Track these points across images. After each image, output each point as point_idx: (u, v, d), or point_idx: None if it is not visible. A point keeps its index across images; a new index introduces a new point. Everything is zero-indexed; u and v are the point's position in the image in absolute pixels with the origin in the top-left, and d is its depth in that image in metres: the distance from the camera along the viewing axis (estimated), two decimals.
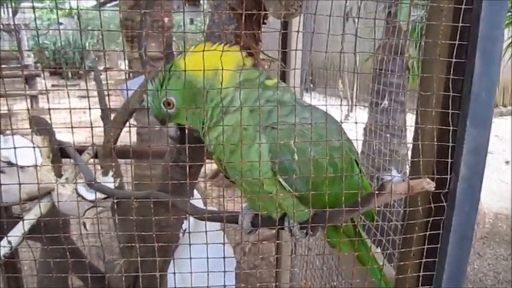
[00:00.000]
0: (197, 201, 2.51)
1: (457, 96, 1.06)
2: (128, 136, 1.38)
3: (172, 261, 1.77)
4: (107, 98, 1.87)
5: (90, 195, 1.47)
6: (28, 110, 3.98)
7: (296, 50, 1.78)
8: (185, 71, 1.03)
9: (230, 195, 3.89)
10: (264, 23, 1.41)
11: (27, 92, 9.04)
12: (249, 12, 1.25)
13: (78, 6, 1.24)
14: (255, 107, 1.07)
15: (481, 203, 5.07)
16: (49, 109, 1.11)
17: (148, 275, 1.36)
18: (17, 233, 1.40)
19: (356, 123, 1.15)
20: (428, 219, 1.12)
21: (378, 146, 2.78)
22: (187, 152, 1.11)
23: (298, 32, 1.19)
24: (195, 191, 2.49)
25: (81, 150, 1.83)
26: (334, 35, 1.12)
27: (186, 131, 1.19)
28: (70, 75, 13.67)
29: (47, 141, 1.67)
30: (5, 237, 1.36)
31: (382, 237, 1.65)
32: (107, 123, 1.95)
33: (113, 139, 1.85)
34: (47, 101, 1.16)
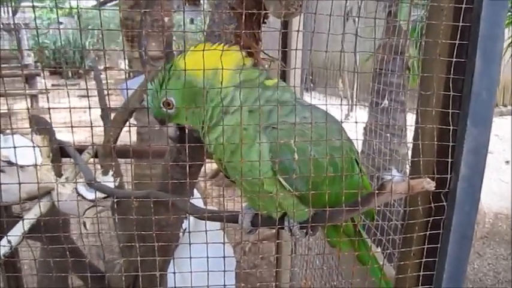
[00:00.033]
0: (197, 200, 2.51)
1: (458, 96, 1.06)
2: (128, 135, 1.38)
3: (172, 261, 1.77)
4: (107, 97, 1.87)
5: (90, 195, 1.47)
6: (28, 109, 3.99)
7: (296, 49, 1.78)
8: (185, 70, 1.03)
9: (230, 194, 3.89)
10: (264, 23, 1.41)
11: (27, 91, 9.05)
12: (249, 11, 1.25)
13: (78, 6, 1.23)
14: (255, 107, 1.07)
15: (481, 203, 5.07)
16: (49, 108, 1.11)
17: (148, 275, 1.36)
18: (17, 232, 1.40)
19: (356, 122, 1.15)
20: (429, 218, 1.12)
21: (378, 146, 2.78)
22: (187, 151, 1.11)
23: (298, 31, 1.19)
24: (195, 191, 2.49)
25: (81, 149, 1.83)
26: (335, 35, 1.12)
27: (186, 130, 1.19)
28: (70, 74, 13.65)
29: (47, 140, 1.67)
30: (5, 237, 1.36)
31: (382, 236, 1.65)
32: (107, 122, 1.94)
33: (112, 138, 1.85)
34: (46, 100, 1.17)
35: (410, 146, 1.21)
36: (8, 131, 1.70)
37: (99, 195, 1.47)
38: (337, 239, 1.33)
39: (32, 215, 1.45)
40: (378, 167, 2.69)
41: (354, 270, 1.31)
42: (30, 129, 1.67)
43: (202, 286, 1.18)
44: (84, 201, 1.46)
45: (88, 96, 1.07)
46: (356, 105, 3.09)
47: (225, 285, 1.19)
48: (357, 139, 1.19)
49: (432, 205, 1.11)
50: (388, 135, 3.50)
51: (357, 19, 1.20)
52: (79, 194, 1.46)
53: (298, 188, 1.09)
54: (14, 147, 1.21)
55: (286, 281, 2.82)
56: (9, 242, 1.36)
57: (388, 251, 1.57)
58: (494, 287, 4.30)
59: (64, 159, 1.81)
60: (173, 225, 1.70)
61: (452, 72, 1.06)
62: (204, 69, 1.02)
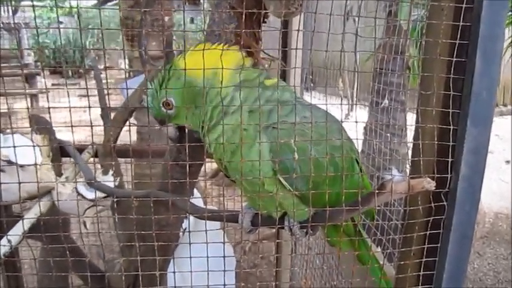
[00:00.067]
0: (197, 200, 2.51)
1: (458, 96, 1.06)
2: (128, 135, 1.37)
3: (172, 261, 1.77)
4: (107, 97, 1.87)
5: (90, 194, 1.47)
6: (28, 108, 3.99)
7: (296, 49, 1.78)
8: (185, 70, 1.03)
9: (230, 194, 3.89)
10: (264, 22, 1.41)
11: (27, 90, 9.04)
12: (249, 11, 1.25)
13: (78, 5, 1.23)
14: (255, 107, 1.07)
15: (481, 203, 5.07)
16: (49, 108, 1.11)
17: (148, 274, 1.36)
18: (17, 232, 1.40)
19: (356, 122, 1.15)
20: (429, 218, 1.12)
21: (378, 145, 2.78)
22: (187, 151, 1.11)
23: (298, 31, 1.19)
24: (195, 190, 2.49)
25: (81, 149, 1.83)
26: (335, 34, 1.11)
27: (186, 130, 1.19)
28: (70, 74, 13.64)
29: (47, 140, 1.67)
30: (5, 236, 1.36)
31: (382, 236, 1.65)
32: (107, 122, 1.94)
33: (112, 138, 1.85)
34: (47, 99, 1.17)
35: (411, 145, 1.21)
36: (8, 130, 1.70)
37: (99, 194, 1.47)
38: (337, 238, 1.33)
39: (32, 215, 1.45)
40: (378, 167, 2.68)
41: (354, 269, 1.31)
42: (30, 129, 1.67)
43: (202, 286, 1.18)
44: (84, 201, 1.47)
45: (88, 96, 1.07)
46: (356, 104, 3.09)
47: (225, 284, 1.19)
48: (357, 139, 1.19)
49: (432, 205, 1.11)
50: (388, 134, 3.50)
51: (357, 19, 1.20)
52: (79, 194, 1.46)
53: (299, 187, 1.09)
54: (14, 147, 1.21)
55: (286, 280, 2.82)
56: (9, 241, 1.36)
57: (388, 251, 1.57)
58: (494, 287, 4.30)
59: (64, 159, 1.81)
60: (173, 224, 1.70)
61: (452, 72, 1.06)
62: (204, 69, 1.02)
